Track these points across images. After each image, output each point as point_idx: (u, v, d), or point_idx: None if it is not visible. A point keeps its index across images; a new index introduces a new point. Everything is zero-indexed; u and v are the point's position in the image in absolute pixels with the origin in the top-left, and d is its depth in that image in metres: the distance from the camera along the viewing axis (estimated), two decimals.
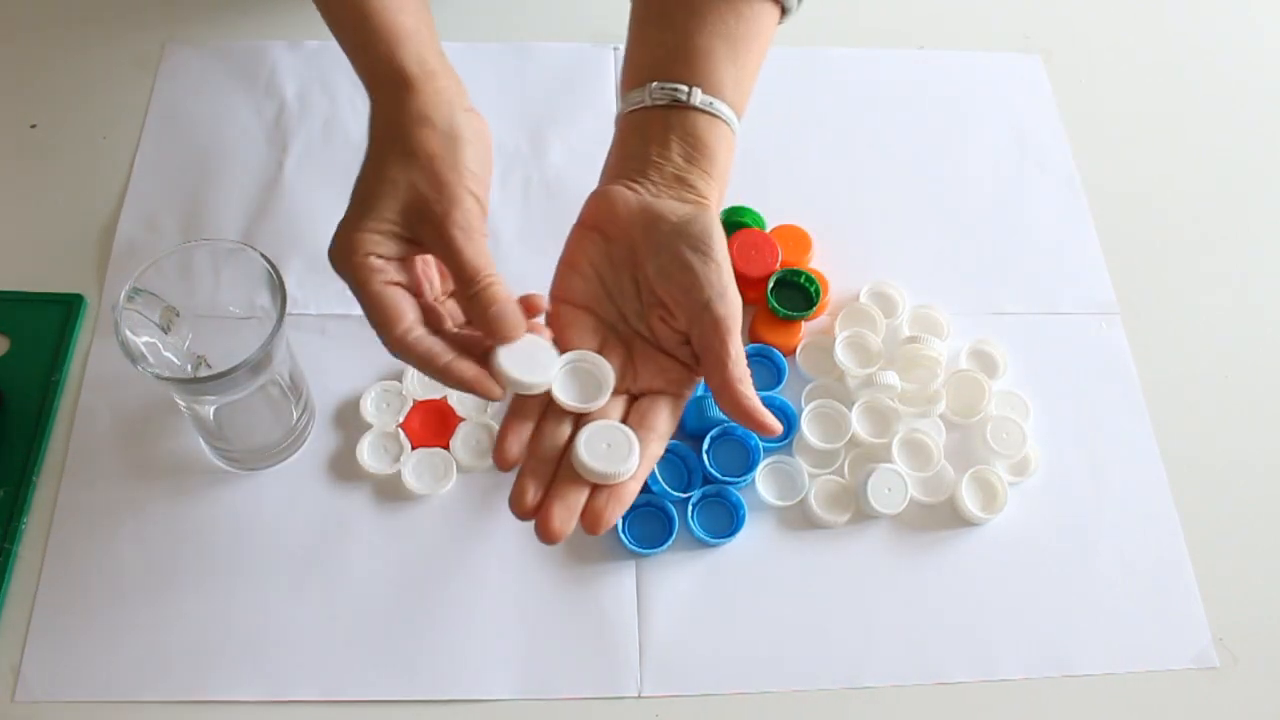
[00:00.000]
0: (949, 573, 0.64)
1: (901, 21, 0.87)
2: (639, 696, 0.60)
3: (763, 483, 0.66)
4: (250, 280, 0.58)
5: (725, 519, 0.65)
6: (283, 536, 0.63)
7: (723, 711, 0.60)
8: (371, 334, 0.70)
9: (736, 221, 0.75)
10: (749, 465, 0.66)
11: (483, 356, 0.53)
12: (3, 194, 0.75)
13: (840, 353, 0.69)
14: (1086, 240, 0.77)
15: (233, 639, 0.60)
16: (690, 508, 0.64)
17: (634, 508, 0.64)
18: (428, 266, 0.56)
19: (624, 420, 0.54)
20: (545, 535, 0.50)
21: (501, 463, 0.52)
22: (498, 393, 0.53)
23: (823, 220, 0.75)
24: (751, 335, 0.71)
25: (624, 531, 0.63)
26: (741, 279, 0.70)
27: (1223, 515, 0.67)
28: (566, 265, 0.57)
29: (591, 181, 0.60)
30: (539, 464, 0.52)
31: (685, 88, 0.57)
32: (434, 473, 0.65)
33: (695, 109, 0.57)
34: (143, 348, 0.56)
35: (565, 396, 0.53)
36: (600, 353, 0.55)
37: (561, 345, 0.54)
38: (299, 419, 0.65)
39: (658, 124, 0.57)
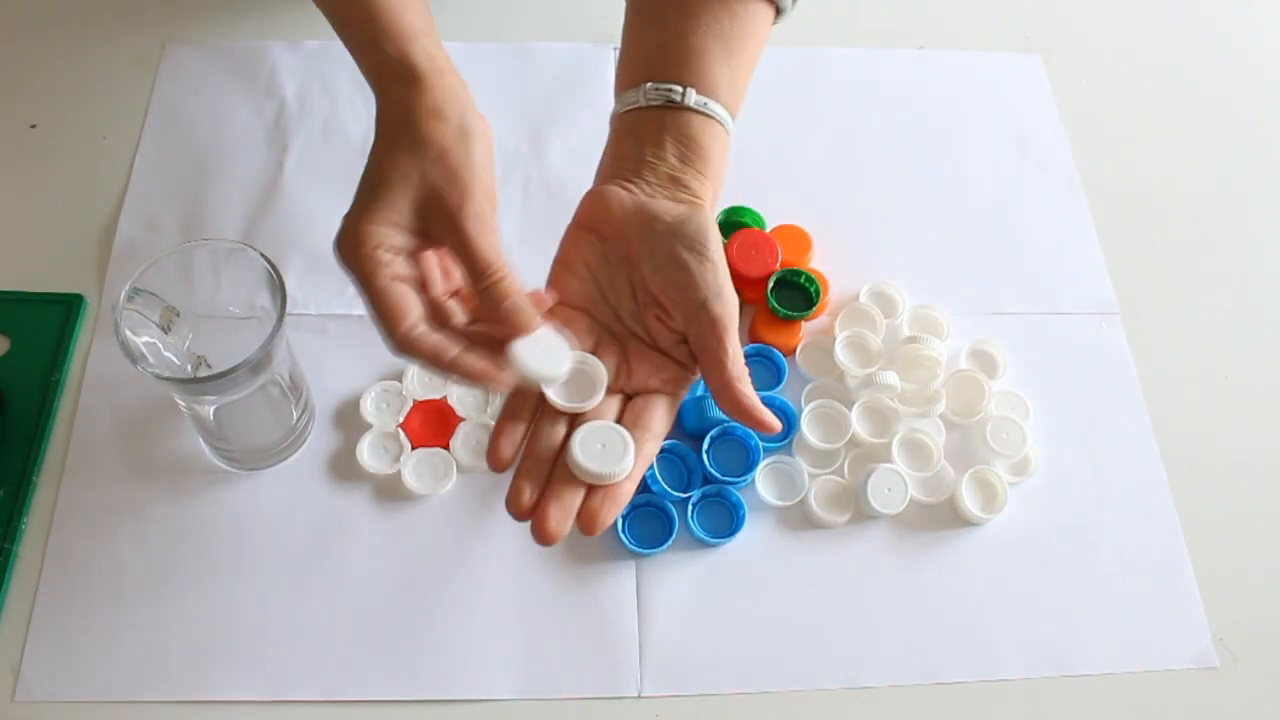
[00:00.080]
0: (949, 573, 0.64)
1: (901, 21, 0.87)
2: (639, 696, 0.60)
3: (763, 483, 0.66)
4: (250, 280, 0.58)
5: (725, 519, 0.65)
6: (283, 536, 0.63)
7: (723, 711, 0.60)
8: (372, 334, 0.70)
9: (736, 221, 0.75)
10: (749, 465, 0.66)
11: (491, 352, 0.53)
12: (3, 194, 0.75)
13: (840, 353, 0.69)
14: (1086, 240, 0.77)
15: (233, 639, 0.60)
16: (690, 508, 0.64)
17: (634, 507, 0.64)
18: (432, 262, 0.56)
19: (619, 420, 0.54)
20: (541, 537, 0.50)
21: (495, 463, 0.52)
22: (507, 383, 0.52)
23: (823, 220, 0.75)
24: (751, 335, 0.71)
25: (624, 531, 0.63)
26: (741, 279, 0.71)
27: (1223, 515, 0.67)
28: (561, 265, 0.57)
29: (591, 181, 0.61)
30: (534, 464, 0.52)
31: (679, 88, 0.57)
32: (434, 473, 0.65)
33: (689, 110, 0.57)
34: (143, 348, 0.56)
35: (558, 397, 0.53)
36: (595, 353, 0.55)
37: None
38: (299, 419, 0.65)
39: (652, 124, 0.57)
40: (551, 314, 0.55)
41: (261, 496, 0.64)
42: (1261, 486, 0.69)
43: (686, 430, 0.67)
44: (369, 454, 0.66)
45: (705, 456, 0.65)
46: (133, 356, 0.55)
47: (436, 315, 0.54)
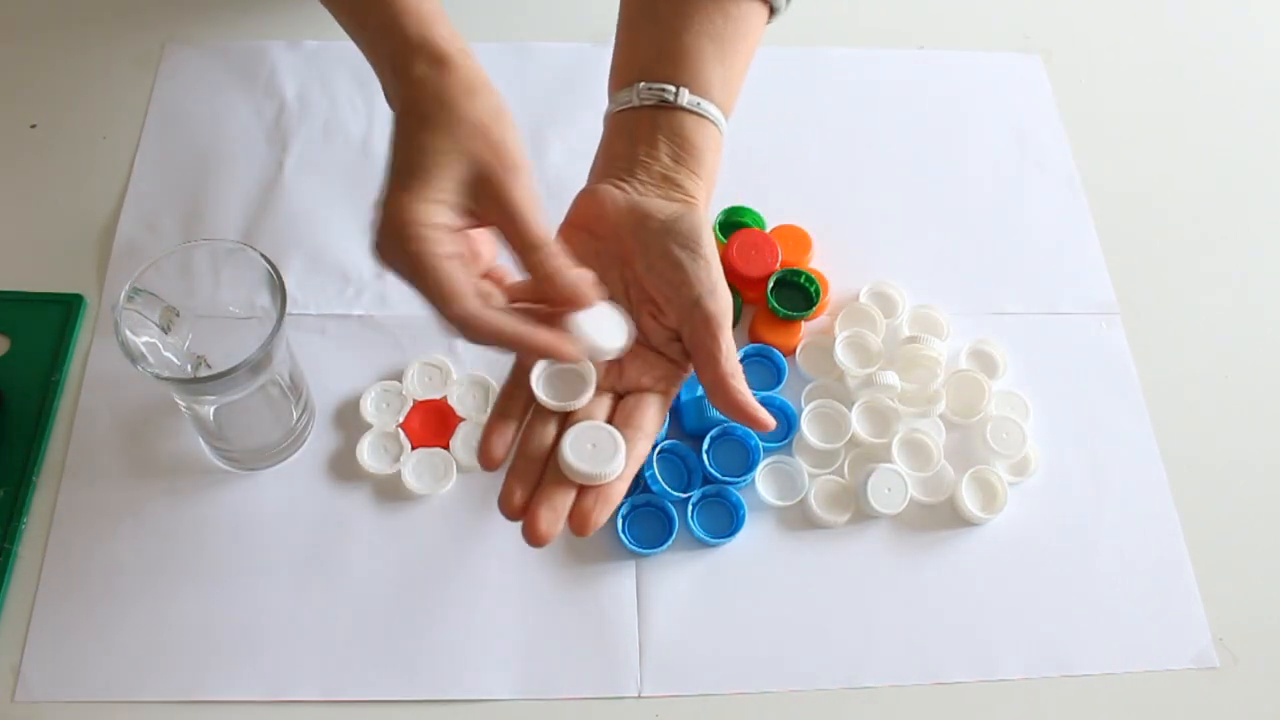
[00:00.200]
0: (949, 573, 0.64)
1: (901, 21, 0.87)
2: (639, 696, 0.60)
3: (763, 483, 0.66)
4: (250, 280, 0.58)
5: (725, 519, 0.65)
6: (283, 536, 0.63)
7: (723, 711, 0.60)
8: (372, 334, 0.70)
9: (736, 221, 0.75)
10: (749, 465, 0.66)
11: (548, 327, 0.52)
12: (3, 194, 0.75)
13: (840, 353, 0.69)
14: (1086, 240, 0.77)
15: (233, 639, 0.60)
16: (690, 508, 0.64)
17: (634, 507, 0.64)
18: (464, 244, 0.55)
19: (610, 419, 0.54)
20: (532, 538, 0.50)
21: (486, 463, 0.52)
22: (574, 355, 0.52)
23: (823, 220, 0.75)
24: (751, 335, 0.71)
25: (624, 531, 0.63)
26: (741, 279, 0.71)
27: (1223, 515, 0.67)
28: None
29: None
30: (526, 464, 0.52)
31: (673, 88, 0.57)
32: (434, 473, 0.65)
33: (683, 109, 0.57)
34: (143, 348, 0.56)
35: (547, 396, 0.53)
36: None
37: None
38: (299, 419, 0.65)
39: (645, 124, 0.57)
40: None
41: (261, 496, 0.64)
42: (1261, 486, 0.69)
43: (686, 430, 0.67)
44: (369, 454, 0.66)
45: (705, 456, 0.65)
46: (133, 356, 0.55)
47: (482, 294, 0.53)
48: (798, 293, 0.72)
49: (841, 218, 0.76)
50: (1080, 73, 0.86)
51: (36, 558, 0.62)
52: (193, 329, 0.59)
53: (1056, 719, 0.61)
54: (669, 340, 0.55)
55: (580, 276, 0.52)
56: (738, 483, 0.65)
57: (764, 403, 0.67)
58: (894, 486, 0.65)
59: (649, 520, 0.65)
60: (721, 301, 0.53)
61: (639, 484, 0.65)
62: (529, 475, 0.52)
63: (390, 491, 0.65)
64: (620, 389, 0.55)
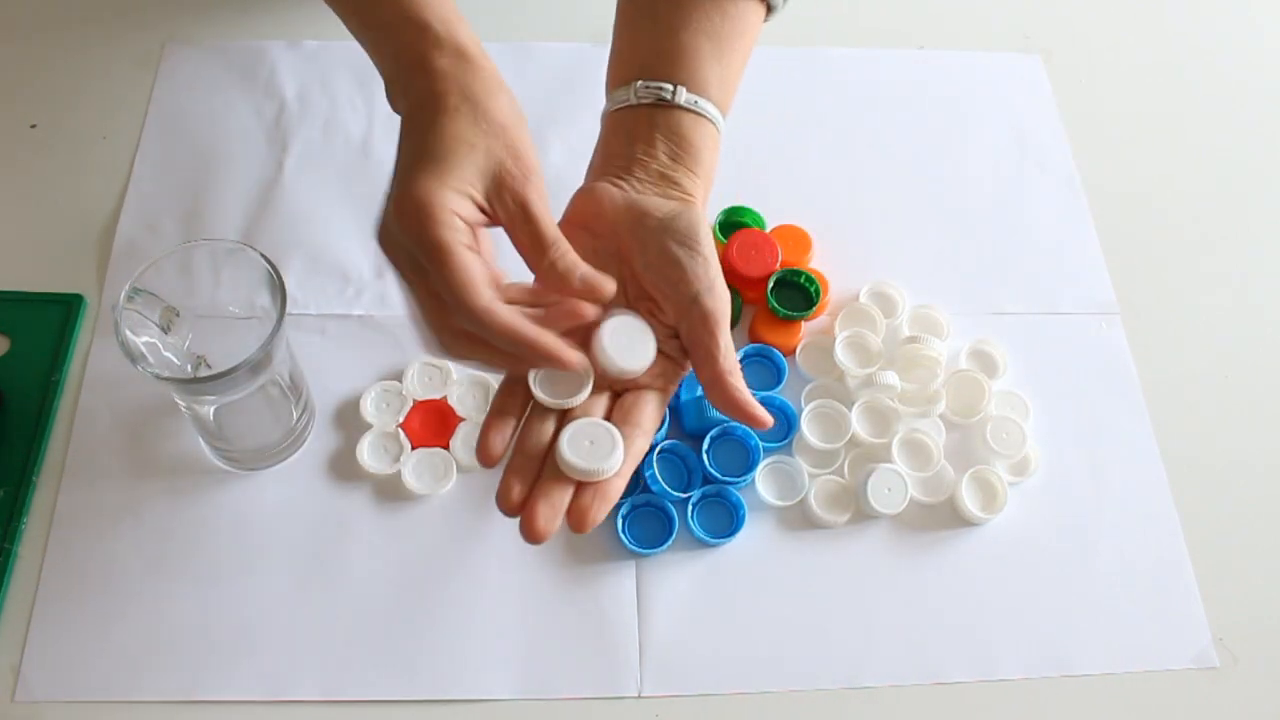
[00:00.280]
0: (949, 573, 0.64)
1: (901, 21, 0.87)
2: (639, 696, 0.60)
3: (763, 483, 0.66)
4: (250, 280, 0.58)
5: (725, 519, 0.65)
6: (283, 536, 0.63)
7: (723, 711, 0.60)
8: (372, 334, 0.70)
9: (736, 221, 0.75)
10: (749, 465, 0.66)
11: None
12: (3, 194, 0.75)
13: (840, 353, 0.69)
14: (1086, 240, 0.77)
15: (232, 638, 0.60)
16: (690, 508, 0.64)
17: (634, 507, 0.64)
18: (481, 240, 0.54)
19: (608, 417, 0.54)
20: (529, 535, 0.50)
21: (485, 459, 0.51)
22: (576, 362, 0.51)
23: (823, 220, 0.75)
24: (751, 335, 0.71)
25: (624, 531, 0.63)
26: (741, 279, 0.71)
27: (1223, 515, 0.67)
28: None
29: None
30: (524, 461, 0.52)
31: (670, 86, 0.57)
32: (434, 473, 0.65)
33: (680, 108, 0.57)
34: (143, 348, 0.56)
35: (544, 393, 0.53)
36: None
37: None
38: (299, 419, 0.65)
39: (643, 122, 0.57)
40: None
41: (261, 496, 0.64)
42: (1261, 486, 0.69)
43: (686, 430, 0.67)
44: (369, 454, 0.66)
45: (705, 456, 0.65)
46: (133, 356, 0.55)
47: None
48: (798, 293, 0.72)
49: (841, 218, 0.76)
50: (1080, 73, 0.86)
51: (36, 558, 0.62)
52: (193, 329, 0.59)
53: (1056, 719, 0.61)
54: (667, 337, 0.55)
55: (592, 273, 0.52)
56: (738, 483, 0.65)
57: (764, 403, 0.67)
58: (894, 486, 0.65)
59: (649, 520, 0.65)
60: (720, 299, 0.53)
61: (639, 484, 0.65)
62: (527, 472, 0.52)
63: (390, 491, 0.65)
64: (618, 386, 0.55)
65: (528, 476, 0.51)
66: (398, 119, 0.56)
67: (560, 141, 0.78)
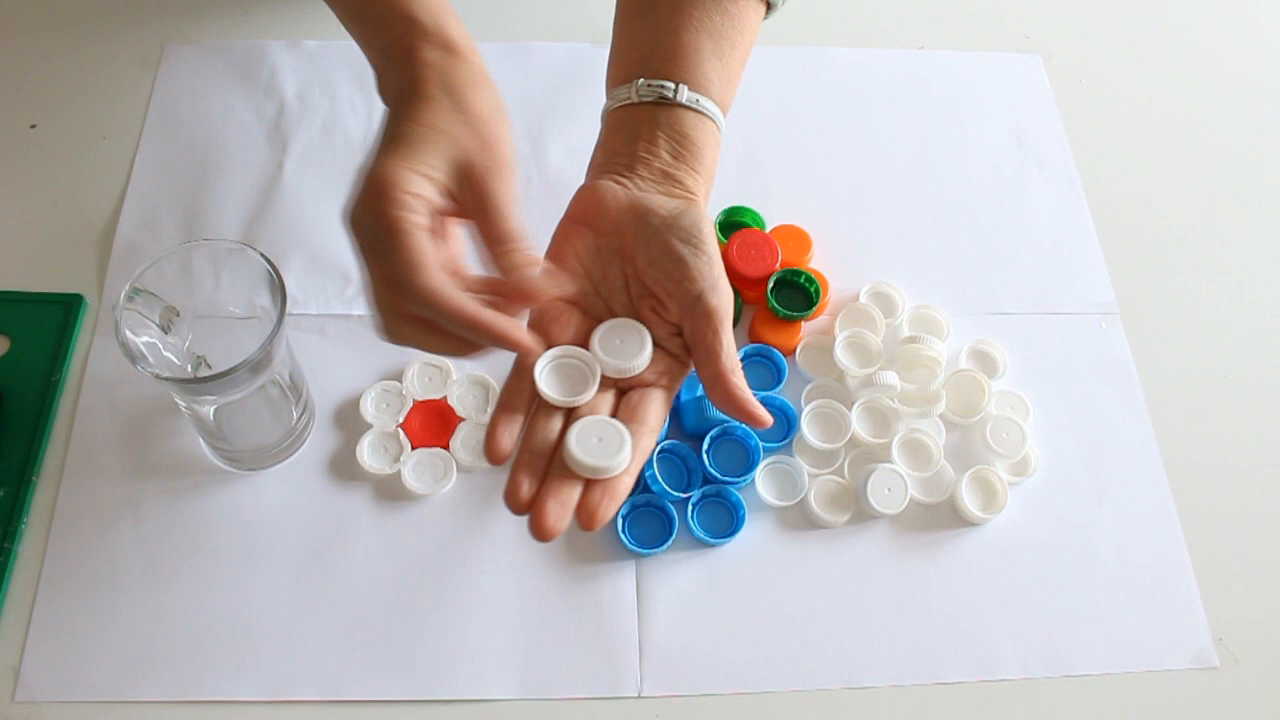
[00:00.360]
0: (949, 573, 0.64)
1: (901, 21, 0.87)
2: (639, 696, 0.60)
3: (762, 483, 0.66)
4: (250, 280, 0.58)
5: (725, 519, 0.65)
6: (283, 536, 0.63)
7: (723, 711, 0.60)
8: (372, 334, 0.70)
9: (736, 221, 0.75)
10: (749, 465, 0.66)
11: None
12: (3, 194, 0.75)
13: (840, 353, 0.69)
14: (1086, 240, 0.77)
15: (233, 639, 0.60)
16: (690, 508, 0.64)
17: (634, 507, 0.64)
18: (446, 230, 0.55)
19: (614, 415, 0.54)
20: (539, 533, 0.50)
21: (493, 456, 0.51)
22: (533, 348, 0.52)
23: (823, 220, 0.75)
24: (751, 335, 0.71)
25: (624, 531, 0.64)
26: (741, 279, 0.71)
27: (1223, 515, 0.67)
28: (553, 260, 0.57)
29: None
30: (532, 458, 0.52)
31: (672, 85, 0.57)
32: (434, 473, 0.65)
33: (682, 106, 0.57)
34: (143, 348, 0.56)
35: (551, 391, 0.53)
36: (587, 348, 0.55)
37: (547, 340, 0.54)
38: (299, 419, 0.65)
39: (645, 121, 0.58)
40: (543, 309, 0.55)
41: (261, 496, 0.64)
42: (1261, 486, 0.69)
43: (686, 430, 0.67)
44: (369, 454, 0.66)
45: (705, 456, 0.65)
46: (133, 356, 0.55)
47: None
48: (798, 293, 0.72)
49: (841, 218, 0.76)
50: (1080, 73, 0.86)
51: (36, 558, 0.62)
52: (193, 329, 0.59)
53: (1056, 719, 0.61)
54: (671, 335, 0.55)
55: (554, 268, 0.52)
56: (738, 483, 0.65)
57: (764, 403, 0.67)
58: (894, 486, 0.65)
59: (649, 520, 0.65)
60: (723, 297, 0.54)
61: (639, 484, 0.65)
62: (535, 469, 0.52)
63: (390, 491, 0.65)
64: (623, 384, 0.55)
65: (536, 474, 0.51)
66: None
67: (560, 141, 0.78)
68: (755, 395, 0.65)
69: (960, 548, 0.65)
